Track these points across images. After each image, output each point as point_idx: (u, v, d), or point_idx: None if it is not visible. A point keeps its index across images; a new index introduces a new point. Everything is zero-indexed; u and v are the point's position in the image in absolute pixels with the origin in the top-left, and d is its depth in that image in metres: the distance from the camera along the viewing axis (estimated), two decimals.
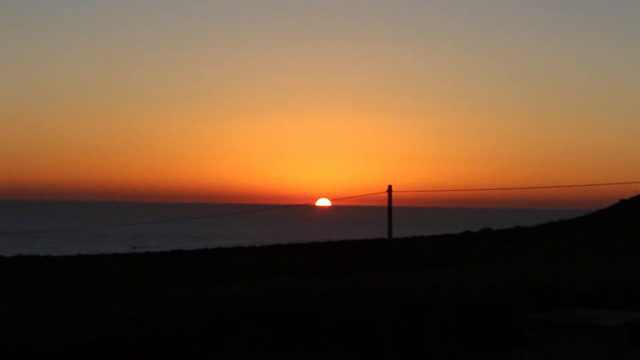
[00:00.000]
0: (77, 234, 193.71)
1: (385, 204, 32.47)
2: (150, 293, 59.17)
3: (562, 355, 29.00)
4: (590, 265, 79.16)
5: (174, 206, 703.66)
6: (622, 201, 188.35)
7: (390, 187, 32.45)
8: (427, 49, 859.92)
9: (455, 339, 37.63)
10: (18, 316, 46.70)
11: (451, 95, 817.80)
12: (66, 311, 48.63)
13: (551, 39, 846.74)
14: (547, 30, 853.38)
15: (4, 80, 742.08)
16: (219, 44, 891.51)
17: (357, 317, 41.77)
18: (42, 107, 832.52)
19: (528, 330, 30.15)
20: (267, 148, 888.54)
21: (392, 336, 31.38)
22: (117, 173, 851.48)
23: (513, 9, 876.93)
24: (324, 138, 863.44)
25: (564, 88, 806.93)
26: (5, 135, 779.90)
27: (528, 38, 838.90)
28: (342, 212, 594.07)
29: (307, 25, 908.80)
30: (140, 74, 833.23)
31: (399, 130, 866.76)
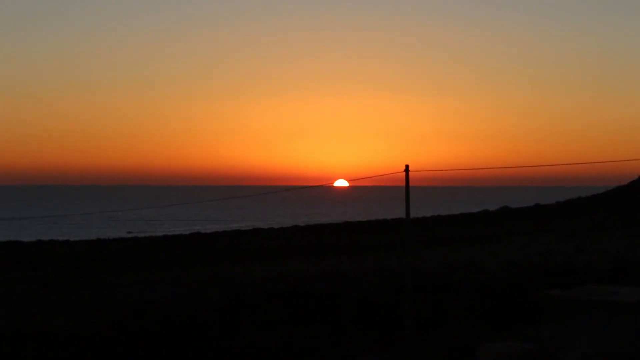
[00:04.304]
0: (91, 219, 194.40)
1: (403, 183, 32.30)
2: (169, 275, 59.38)
3: (582, 332, 28.84)
4: (610, 242, 78.82)
5: (190, 189, 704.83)
6: None
7: (407, 166, 32.28)
8: (443, 27, 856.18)
9: (475, 318, 37.52)
10: (38, 300, 46.97)
11: (468, 73, 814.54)
12: (85, 295, 48.88)
13: (570, 13, 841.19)
14: (566, 4, 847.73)
15: (9, 63, 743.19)
16: (236, 21, 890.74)
17: (376, 298, 41.72)
18: (47, 89, 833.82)
19: (548, 307, 29.99)
20: (283, 129, 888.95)
21: (411, 316, 31.29)
22: (130, 156, 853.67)
23: None
24: (341, 118, 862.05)
25: (581, 63, 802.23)
26: (15, 120, 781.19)
27: (546, 12, 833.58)
28: (359, 192, 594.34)
29: (324, 4, 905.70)
30: (153, 53, 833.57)
31: (416, 110, 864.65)
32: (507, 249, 77.08)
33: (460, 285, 46.84)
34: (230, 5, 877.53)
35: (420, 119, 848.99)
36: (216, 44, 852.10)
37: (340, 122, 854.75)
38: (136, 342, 33.80)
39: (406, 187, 32.16)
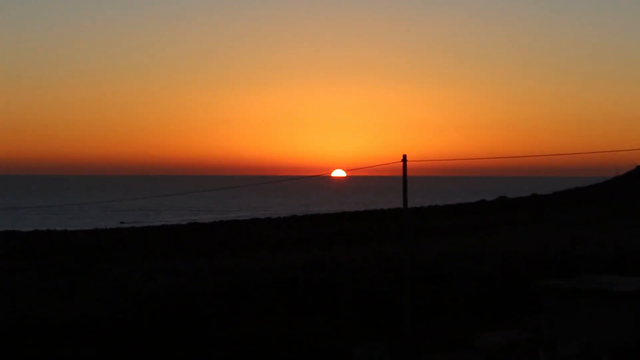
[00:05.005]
0: (87, 208, 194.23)
1: (400, 173, 32.32)
2: (167, 266, 59.42)
3: (581, 321, 28.92)
4: (607, 232, 78.91)
5: (185, 179, 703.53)
6: (639, 167, 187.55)
7: (404, 156, 32.29)
8: (442, 17, 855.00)
9: (473, 308, 37.61)
10: (37, 291, 47.01)
11: (465, 64, 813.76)
12: (84, 285, 48.92)
13: (566, 3, 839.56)
14: None
15: (7, 56, 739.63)
16: (233, 12, 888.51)
17: (374, 288, 41.80)
18: (44, 79, 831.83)
19: (546, 297, 30.06)
20: (282, 119, 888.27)
21: (409, 306, 31.35)
22: (125, 146, 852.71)
23: None
24: (339, 109, 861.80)
25: (578, 53, 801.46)
26: (12, 109, 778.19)
27: (542, 2, 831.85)
28: (357, 182, 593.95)
29: None
30: (153, 43, 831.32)
31: (413, 100, 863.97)
32: (505, 239, 77.15)
33: (458, 275, 46.94)
34: None
35: (418, 109, 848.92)
36: (214, 34, 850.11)
37: (339, 113, 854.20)
38: (135, 332, 33.87)
39: (404, 177, 32.18)
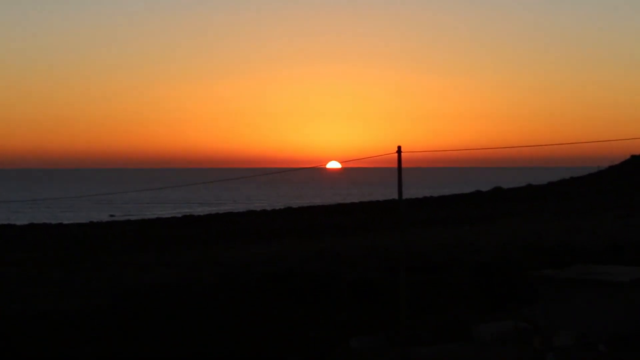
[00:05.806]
0: (79, 202, 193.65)
1: (395, 165, 32.27)
2: (164, 258, 59.41)
3: (576, 311, 28.96)
4: (602, 222, 79.05)
5: (180, 171, 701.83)
6: (633, 157, 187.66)
7: (399, 147, 32.23)
8: (438, 6, 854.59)
9: (469, 298, 37.66)
10: (34, 283, 46.99)
11: (461, 53, 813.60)
12: (81, 277, 48.91)
13: None
14: None
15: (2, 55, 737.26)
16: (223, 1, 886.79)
17: (370, 278, 41.84)
18: (34, 74, 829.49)
19: (542, 287, 30.10)
20: (276, 111, 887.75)
21: (405, 297, 31.35)
22: (119, 139, 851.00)
23: None
24: (334, 100, 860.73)
25: (572, 43, 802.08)
26: (3, 104, 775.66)
27: None
28: (352, 174, 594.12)
29: None
30: (138, 35, 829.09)
31: (408, 90, 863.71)
32: (501, 229, 77.25)
33: (454, 265, 47.01)
34: None
35: (413, 100, 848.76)
36: (206, 25, 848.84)
37: (334, 103, 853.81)
38: (132, 325, 33.86)
39: (398, 169, 32.13)
